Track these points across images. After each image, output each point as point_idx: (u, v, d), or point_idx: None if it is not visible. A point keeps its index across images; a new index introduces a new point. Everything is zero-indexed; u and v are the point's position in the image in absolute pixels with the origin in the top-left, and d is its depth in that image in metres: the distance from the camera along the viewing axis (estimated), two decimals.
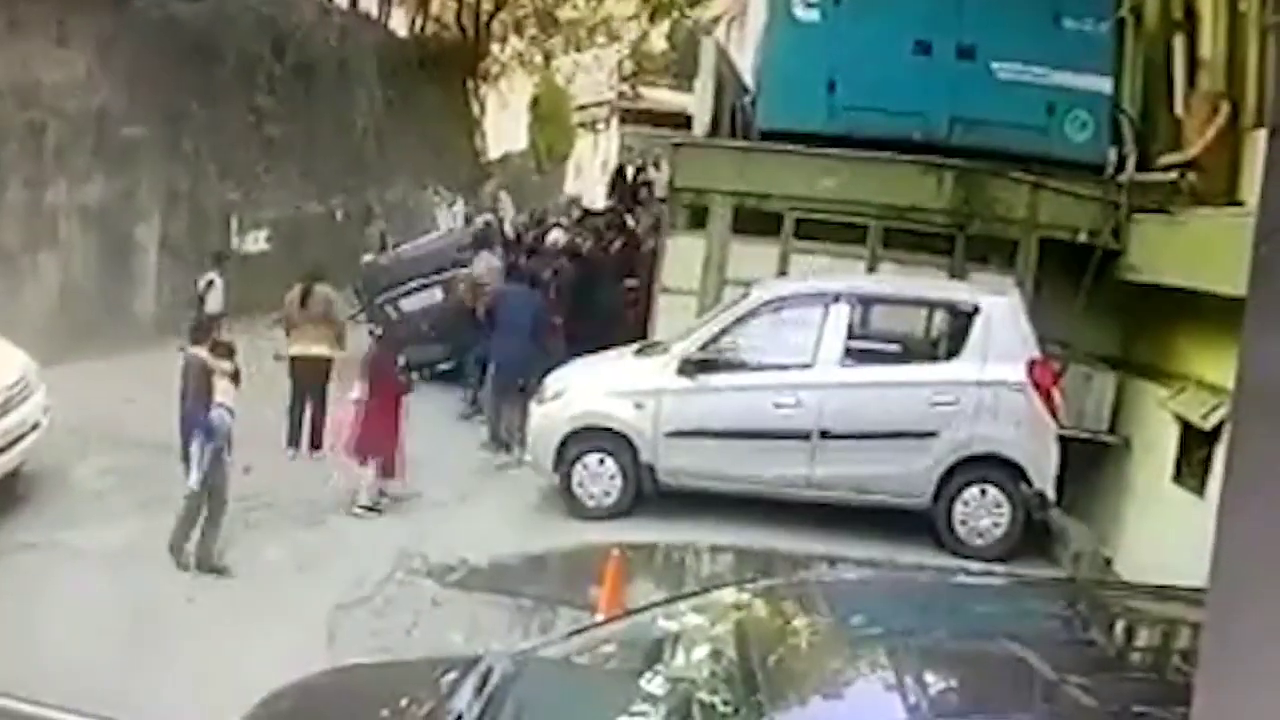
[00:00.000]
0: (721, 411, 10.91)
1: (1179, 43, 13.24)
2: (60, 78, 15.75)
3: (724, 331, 11.15)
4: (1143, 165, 12.87)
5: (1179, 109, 13.09)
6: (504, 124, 35.70)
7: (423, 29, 30.49)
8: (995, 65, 12.57)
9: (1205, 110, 11.95)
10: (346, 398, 12.28)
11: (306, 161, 20.93)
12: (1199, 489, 10.04)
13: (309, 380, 13.39)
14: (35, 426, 11.41)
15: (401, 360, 12.89)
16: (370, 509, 11.77)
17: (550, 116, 38.98)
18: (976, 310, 10.87)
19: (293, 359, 13.56)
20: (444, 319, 16.05)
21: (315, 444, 13.43)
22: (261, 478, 11.83)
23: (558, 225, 19.50)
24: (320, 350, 13.45)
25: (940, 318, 11.56)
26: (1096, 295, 12.28)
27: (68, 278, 16.20)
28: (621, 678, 5.21)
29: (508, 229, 18.81)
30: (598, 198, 29.14)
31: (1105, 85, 12.77)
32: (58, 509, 11.23)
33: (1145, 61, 13.78)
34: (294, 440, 13.48)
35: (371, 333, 15.04)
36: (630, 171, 18.84)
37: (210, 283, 15.83)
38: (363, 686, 6.01)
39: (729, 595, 5.51)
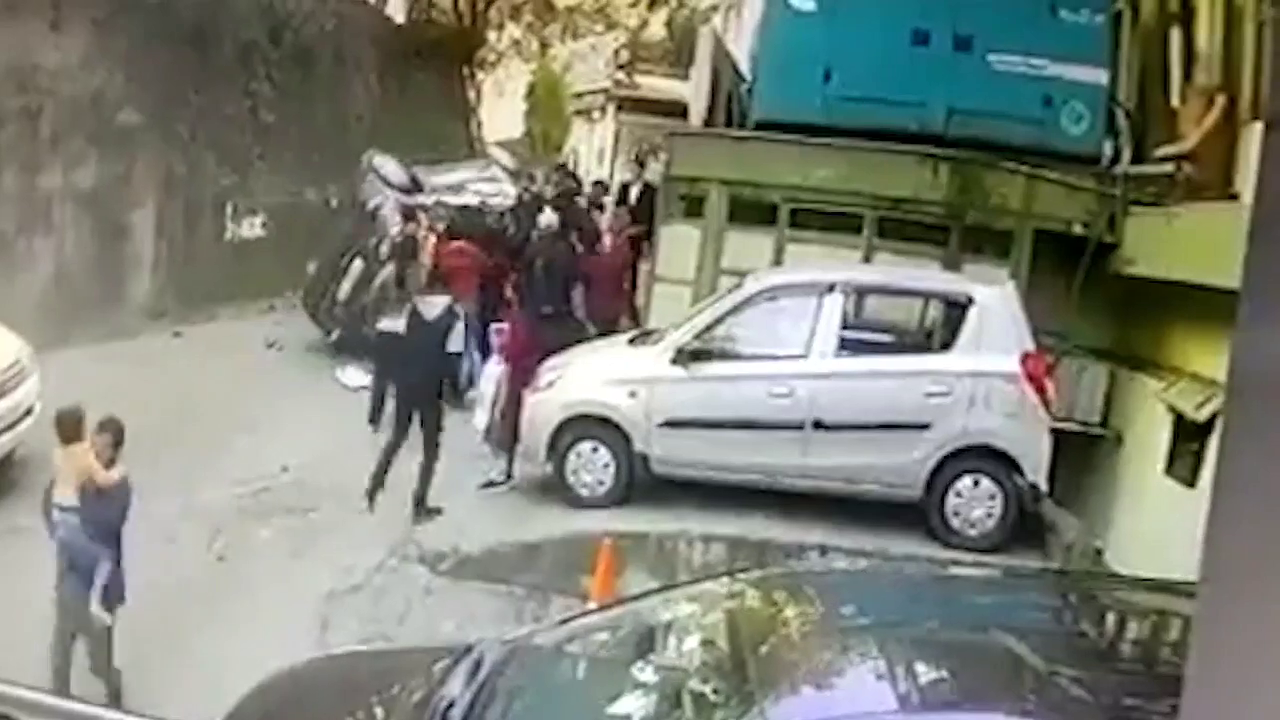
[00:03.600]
0: (715, 401, 10.90)
1: (1175, 35, 13.25)
2: (56, 62, 15.70)
3: (718, 321, 11.13)
4: (1138, 158, 12.87)
5: (1175, 101, 13.09)
6: (500, 112, 35.62)
7: (419, 16, 30.41)
8: (992, 56, 12.56)
9: (1201, 103, 11.95)
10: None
11: (302, 148, 20.87)
12: (1191, 481, 10.05)
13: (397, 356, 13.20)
14: (29, 411, 11.39)
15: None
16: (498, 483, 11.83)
17: (546, 104, 38.90)
18: (971, 301, 10.87)
19: (382, 334, 13.41)
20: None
21: None
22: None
23: (548, 203, 18.75)
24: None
25: (935, 309, 11.54)
26: (1091, 287, 12.29)
27: (62, 262, 16.16)
28: (613, 666, 5.23)
29: (396, 175, 18.27)
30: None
31: (1102, 77, 12.77)
32: None
33: (1142, 54, 13.77)
34: (375, 419, 13.42)
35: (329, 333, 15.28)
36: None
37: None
38: (355, 673, 6.02)
39: (721, 585, 5.53)
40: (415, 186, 17.74)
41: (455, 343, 11.74)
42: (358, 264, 16.06)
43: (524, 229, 16.74)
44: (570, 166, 28.25)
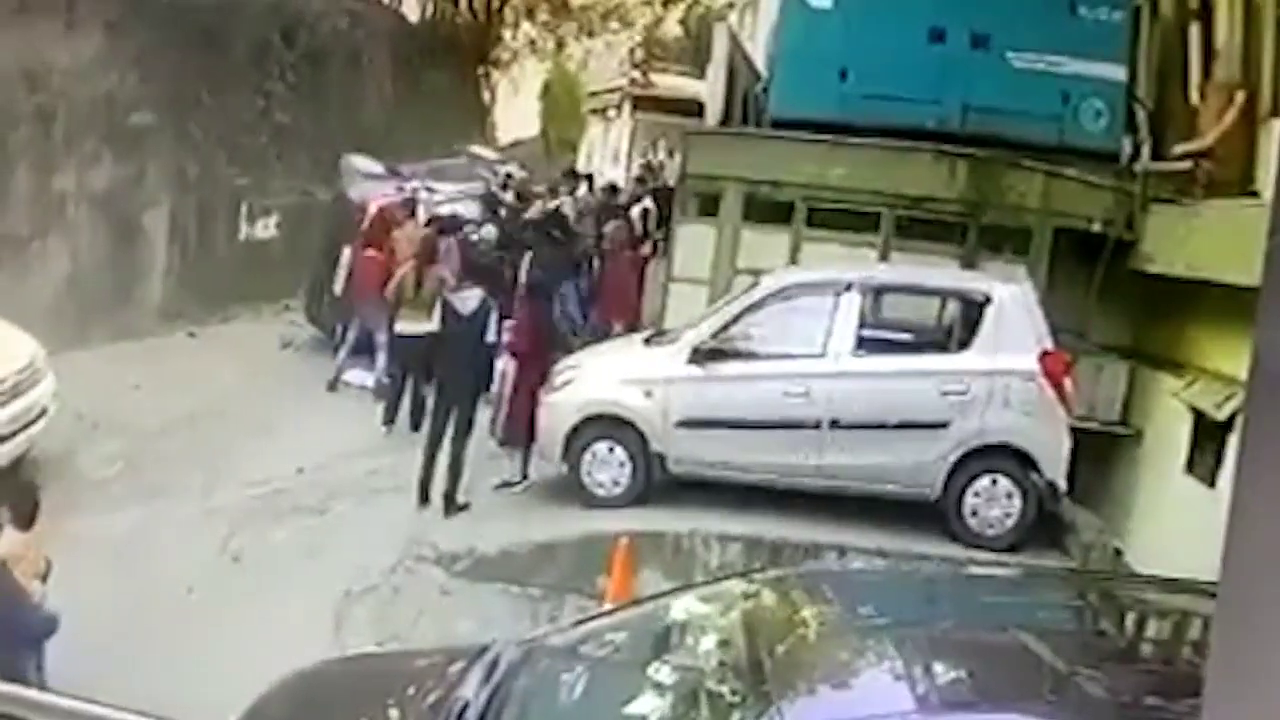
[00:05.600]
0: (731, 400, 10.86)
1: (1194, 31, 13.18)
2: (69, 62, 15.76)
3: (734, 320, 11.09)
4: (1157, 155, 12.82)
5: (1194, 98, 13.03)
6: (515, 111, 35.66)
7: (434, 15, 30.44)
8: (1010, 54, 12.52)
9: (1220, 100, 11.90)
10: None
11: (316, 148, 20.90)
12: (1211, 480, 10.01)
13: (416, 358, 13.09)
14: (43, 412, 11.43)
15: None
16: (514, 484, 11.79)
17: (561, 103, 38.93)
18: (989, 300, 10.81)
19: (399, 337, 13.44)
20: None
21: (416, 424, 13.05)
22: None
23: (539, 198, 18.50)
24: (431, 327, 12.64)
25: (952, 307, 11.50)
26: (1110, 285, 12.24)
27: (76, 263, 16.22)
28: (629, 667, 5.20)
29: (370, 167, 18.31)
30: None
31: (1120, 74, 12.72)
32: (62, 496, 11.21)
33: (1161, 50, 13.71)
34: (390, 419, 13.43)
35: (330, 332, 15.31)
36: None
37: None
38: (370, 675, 6.01)
39: (737, 585, 5.50)
40: (392, 174, 17.79)
41: (491, 335, 11.70)
42: (346, 253, 16.01)
43: (512, 224, 16.66)
44: (580, 169, 28.11)
